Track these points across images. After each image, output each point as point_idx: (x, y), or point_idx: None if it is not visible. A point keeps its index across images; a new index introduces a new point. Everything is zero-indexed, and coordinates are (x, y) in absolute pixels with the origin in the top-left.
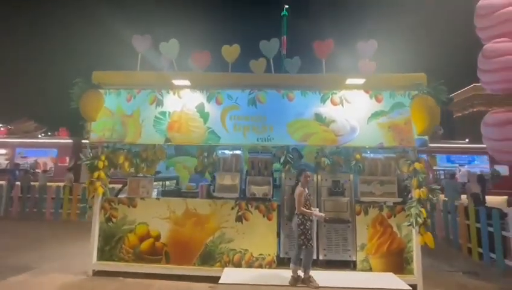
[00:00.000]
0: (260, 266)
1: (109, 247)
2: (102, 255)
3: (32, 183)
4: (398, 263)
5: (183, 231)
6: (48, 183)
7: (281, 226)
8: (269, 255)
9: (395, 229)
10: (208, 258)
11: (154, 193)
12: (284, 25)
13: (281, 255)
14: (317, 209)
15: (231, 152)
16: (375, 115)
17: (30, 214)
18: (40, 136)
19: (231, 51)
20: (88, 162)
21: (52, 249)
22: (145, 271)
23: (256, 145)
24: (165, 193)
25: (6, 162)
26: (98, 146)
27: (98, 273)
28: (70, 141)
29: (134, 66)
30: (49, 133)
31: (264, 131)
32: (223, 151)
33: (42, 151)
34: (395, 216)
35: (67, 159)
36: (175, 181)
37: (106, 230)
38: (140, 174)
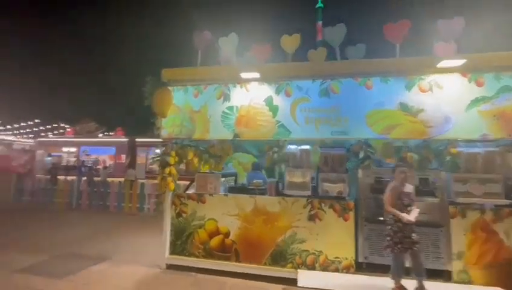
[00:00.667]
0: (336, 270)
1: (180, 242)
2: (174, 249)
3: (95, 178)
4: (506, 275)
5: (253, 229)
6: (108, 179)
7: (359, 228)
8: (346, 259)
9: (501, 236)
10: (279, 258)
11: (221, 189)
12: (319, 14)
13: (360, 260)
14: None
15: (299, 147)
16: (476, 101)
17: (96, 207)
18: (100, 135)
19: (291, 41)
20: (159, 158)
21: (120, 239)
22: (215, 268)
23: (331, 139)
24: (231, 190)
25: (74, 159)
26: (168, 142)
27: (170, 267)
28: (126, 139)
29: (193, 63)
30: (106, 133)
31: (338, 123)
32: (289, 146)
33: (102, 149)
34: (502, 221)
35: (123, 156)
36: (234, 178)
37: (177, 225)
38: (207, 170)
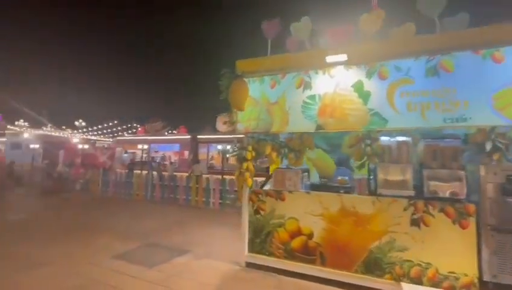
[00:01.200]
0: (452, 288)
1: (259, 240)
2: (253, 247)
3: (163, 173)
4: None
5: (340, 232)
6: (174, 173)
7: (483, 238)
8: (466, 275)
9: None
10: (373, 266)
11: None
12: None
13: (485, 279)
14: None
15: (394, 139)
16: None
17: (167, 199)
18: (166, 133)
19: (373, 20)
20: (236, 153)
21: (193, 232)
22: (298, 270)
23: (443, 127)
24: (313, 187)
25: (145, 155)
26: (244, 137)
27: (249, 265)
28: (189, 137)
29: (262, 54)
30: (169, 131)
31: (453, 108)
32: (383, 138)
33: (168, 146)
34: None
35: (186, 152)
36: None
37: (255, 222)
38: (283, 166)
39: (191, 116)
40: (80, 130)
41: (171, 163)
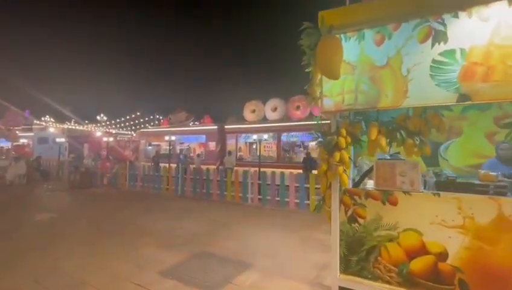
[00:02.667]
0: None
1: (357, 258)
2: (348, 267)
3: (191, 166)
4: None
5: (495, 252)
6: (201, 166)
7: None
8: None
9: None
10: None
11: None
12: None
13: None
14: None
15: None
16: None
17: (200, 194)
18: (190, 124)
19: None
20: (325, 139)
21: (243, 237)
22: None
23: None
24: (440, 185)
25: (170, 147)
26: (332, 117)
27: None
28: (216, 127)
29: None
30: (194, 122)
31: None
32: None
33: (193, 137)
34: None
35: (211, 143)
36: None
37: (350, 234)
38: (386, 155)
39: (215, 105)
40: (103, 124)
41: (197, 155)
